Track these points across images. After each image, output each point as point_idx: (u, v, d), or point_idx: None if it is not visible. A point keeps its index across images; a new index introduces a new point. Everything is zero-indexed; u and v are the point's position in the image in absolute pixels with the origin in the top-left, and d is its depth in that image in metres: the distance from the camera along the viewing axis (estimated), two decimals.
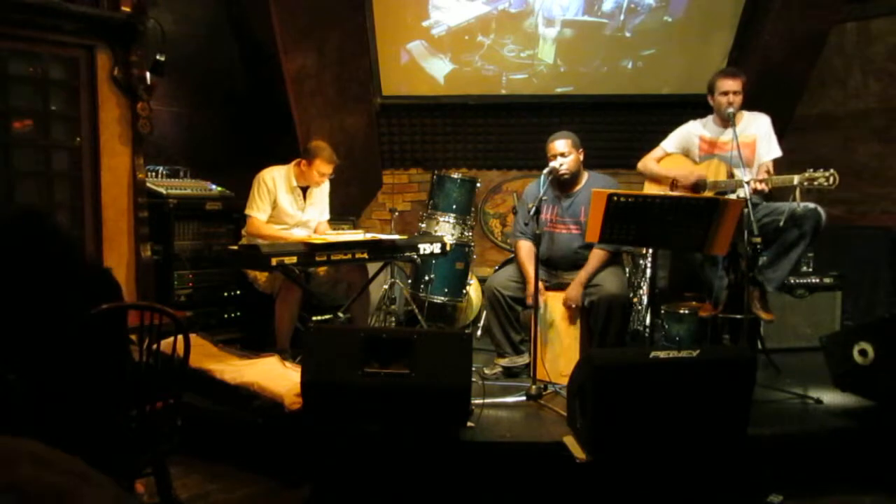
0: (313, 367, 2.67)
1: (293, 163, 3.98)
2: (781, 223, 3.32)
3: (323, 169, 3.87)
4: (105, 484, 0.58)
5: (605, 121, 5.42)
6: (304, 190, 4.03)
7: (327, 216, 4.26)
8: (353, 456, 2.70)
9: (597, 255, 3.53)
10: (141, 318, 2.08)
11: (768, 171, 3.40)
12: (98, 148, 3.49)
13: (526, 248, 3.65)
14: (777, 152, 3.57)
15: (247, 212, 3.88)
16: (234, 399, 2.99)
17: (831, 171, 3.17)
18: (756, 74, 3.63)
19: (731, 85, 3.50)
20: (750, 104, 3.60)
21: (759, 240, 3.00)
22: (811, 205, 3.37)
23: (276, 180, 3.90)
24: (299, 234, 3.99)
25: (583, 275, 3.53)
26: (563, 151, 3.58)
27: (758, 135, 3.59)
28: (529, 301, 3.54)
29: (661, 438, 2.54)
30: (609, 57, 5.20)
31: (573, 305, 3.53)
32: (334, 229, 4.22)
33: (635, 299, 4.37)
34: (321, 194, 4.16)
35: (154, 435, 2.16)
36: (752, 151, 3.57)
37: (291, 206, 3.97)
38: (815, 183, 3.19)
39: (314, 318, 4.30)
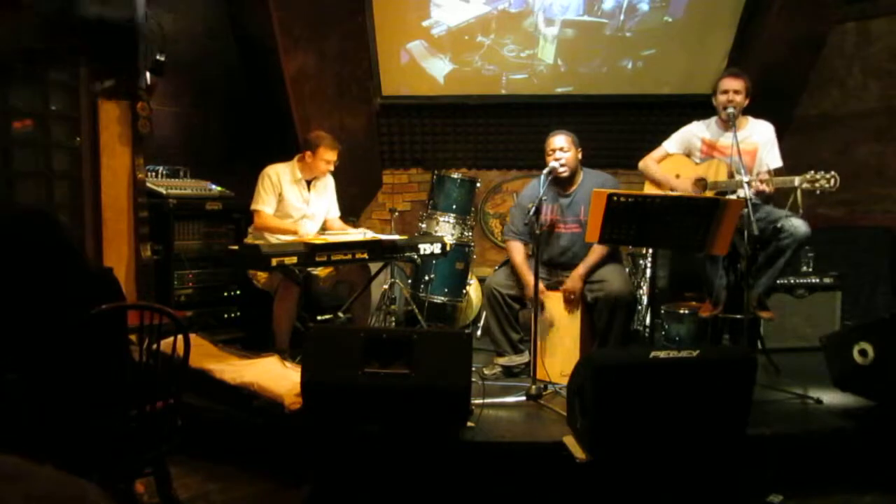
0: (313, 367, 2.67)
1: (296, 158, 4.02)
2: (772, 228, 3.36)
3: (328, 156, 3.94)
4: None
5: (605, 121, 5.42)
6: (308, 183, 4.06)
7: (337, 212, 4.28)
8: (353, 456, 2.70)
9: (597, 250, 3.53)
10: (141, 318, 2.08)
11: (769, 172, 3.40)
12: (98, 148, 3.49)
13: (519, 251, 3.65)
14: (778, 162, 3.56)
15: (253, 207, 3.91)
16: (234, 399, 2.99)
17: (832, 172, 3.17)
18: (756, 74, 3.63)
19: (732, 84, 3.49)
20: (750, 104, 3.59)
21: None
22: (798, 221, 3.37)
23: (280, 175, 3.95)
24: (306, 226, 4.01)
25: (582, 268, 3.53)
26: (563, 146, 3.59)
27: (760, 143, 3.58)
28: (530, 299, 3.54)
29: (661, 438, 2.54)
30: (609, 57, 5.20)
31: (572, 297, 3.53)
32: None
33: None
34: (326, 188, 4.19)
35: (154, 435, 2.16)
36: (753, 159, 3.55)
37: (297, 199, 4.01)
38: (817, 185, 3.19)
39: (316, 318, 4.30)
